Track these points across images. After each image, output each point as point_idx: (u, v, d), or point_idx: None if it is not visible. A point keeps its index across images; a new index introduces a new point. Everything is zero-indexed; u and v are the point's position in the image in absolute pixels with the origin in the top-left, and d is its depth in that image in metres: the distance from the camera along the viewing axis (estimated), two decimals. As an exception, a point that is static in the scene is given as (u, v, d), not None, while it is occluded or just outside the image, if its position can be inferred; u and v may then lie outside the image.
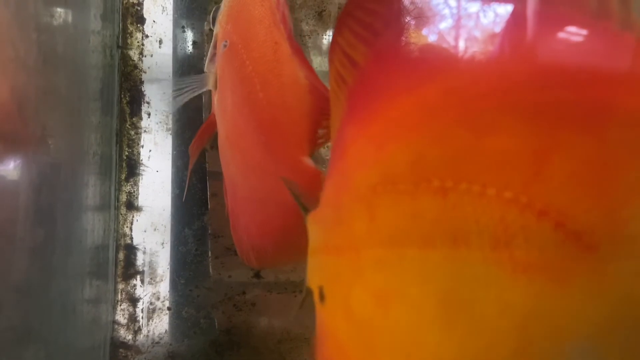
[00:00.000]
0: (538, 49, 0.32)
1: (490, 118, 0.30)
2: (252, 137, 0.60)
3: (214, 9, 0.68)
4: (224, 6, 0.68)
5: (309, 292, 0.45)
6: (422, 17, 0.38)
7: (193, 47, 0.81)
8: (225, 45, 0.62)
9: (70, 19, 0.67)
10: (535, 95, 0.30)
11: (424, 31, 0.39)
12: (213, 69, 0.67)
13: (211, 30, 0.81)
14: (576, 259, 0.26)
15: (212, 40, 0.68)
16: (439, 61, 0.36)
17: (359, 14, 0.41)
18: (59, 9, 0.65)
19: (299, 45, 0.62)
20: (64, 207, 0.66)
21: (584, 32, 0.32)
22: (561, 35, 0.32)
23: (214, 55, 0.67)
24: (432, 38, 0.38)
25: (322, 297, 0.41)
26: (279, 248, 0.64)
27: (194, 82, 0.68)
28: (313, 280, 0.44)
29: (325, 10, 0.81)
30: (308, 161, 0.56)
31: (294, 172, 0.57)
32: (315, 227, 0.44)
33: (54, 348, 0.64)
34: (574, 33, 0.32)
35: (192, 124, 0.81)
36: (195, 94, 0.69)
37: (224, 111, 0.65)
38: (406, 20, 0.39)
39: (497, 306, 0.28)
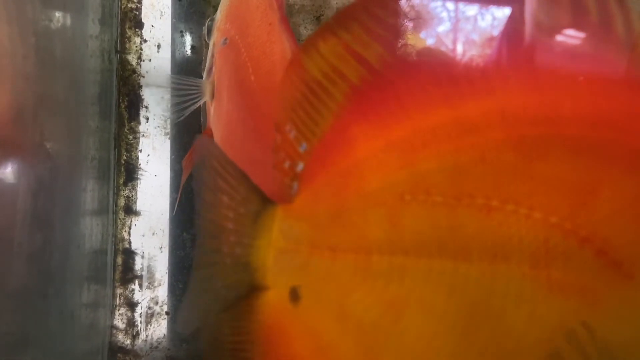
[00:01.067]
0: (589, 88, 0.34)
1: (539, 145, 0.32)
2: (243, 128, 0.60)
3: (208, 21, 0.67)
4: (220, 12, 0.68)
5: (259, 289, 0.44)
6: (469, 31, 0.37)
7: (191, 52, 0.82)
8: (224, 42, 0.62)
9: (68, 23, 0.67)
10: (585, 131, 0.32)
11: (469, 48, 0.39)
12: (210, 80, 0.67)
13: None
14: (614, 285, 0.29)
15: (209, 52, 0.67)
16: (482, 80, 0.36)
17: (378, 12, 0.40)
18: (57, 14, 0.65)
19: (290, 27, 0.61)
20: (62, 212, 0.66)
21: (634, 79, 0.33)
22: (609, 77, 0.34)
23: (211, 67, 0.67)
24: (475, 57, 0.37)
25: (295, 297, 0.41)
26: None
27: (192, 86, 0.68)
28: (281, 278, 0.43)
29: (323, 15, 0.81)
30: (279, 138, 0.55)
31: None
32: (298, 223, 0.43)
33: (51, 353, 0.64)
34: (621, 78, 0.33)
35: (190, 129, 0.81)
36: (194, 105, 0.69)
37: (219, 116, 0.65)
38: (444, 30, 0.38)
39: (528, 319, 0.30)
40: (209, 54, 0.67)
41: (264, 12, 0.59)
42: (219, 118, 0.66)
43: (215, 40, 0.67)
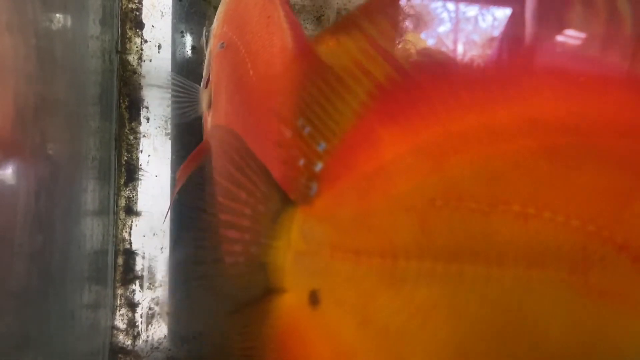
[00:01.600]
0: (619, 96, 0.34)
1: (572, 153, 0.33)
2: (244, 126, 0.59)
3: (205, 31, 0.67)
4: (216, 19, 0.67)
5: (275, 291, 0.43)
6: (497, 38, 0.37)
7: (192, 52, 0.82)
8: (222, 46, 0.61)
9: (68, 24, 0.67)
10: (616, 140, 0.32)
11: (501, 52, 0.38)
12: (207, 90, 0.66)
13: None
14: None
15: (206, 62, 0.66)
16: (513, 86, 0.36)
17: (409, 9, 0.39)
18: (57, 15, 0.65)
19: (295, 18, 0.59)
20: (63, 213, 0.66)
21: None
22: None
23: (208, 76, 0.66)
24: (506, 62, 0.37)
25: (314, 300, 0.40)
26: None
27: (190, 90, 0.67)
28: (300, 281, 0.42)
29: (324, 15, 0.81)
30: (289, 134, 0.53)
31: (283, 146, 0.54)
32: (320, 225, 0.41)
33: (52, 354, 0.64)
34: None
35: (191, 129, 0.81)
36: (192, 115, 0.68)
37: (217, 118, 0.64)
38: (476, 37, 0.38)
39: (565, 324, 0.31)
40: (206, 64, 0.66)
41: (262, 7, 0.58)
42: (213, 119, 0.65)
43: (212, 47, 0.66)
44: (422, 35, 0.40)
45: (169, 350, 0.83)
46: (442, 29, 0.40)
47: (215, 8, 0.80)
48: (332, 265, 0.40)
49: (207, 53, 0.66)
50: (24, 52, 0.57)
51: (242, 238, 0.44)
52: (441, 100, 0.36)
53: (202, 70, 0.81)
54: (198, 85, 0.67)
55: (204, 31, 0.67)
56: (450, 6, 0.40)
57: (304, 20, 0.81)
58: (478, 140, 0.35)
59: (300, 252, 0.42)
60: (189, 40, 0.82)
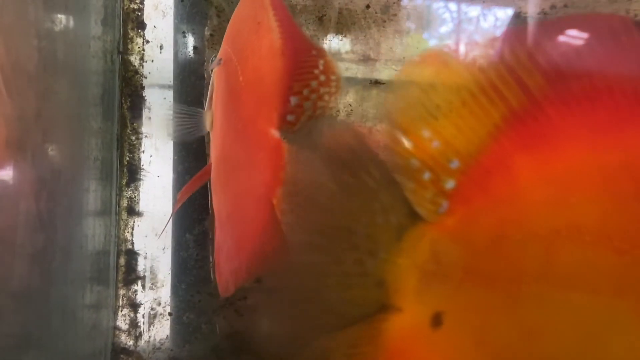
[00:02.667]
0: None
1: None
2: (234, 134, 0.58)
3: (211, 59, 0.66)
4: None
5: (388, 309, 0.41)
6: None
7: (194, 52, 0.82)
8: (219, 62, 0.61)
9: (70, 24, 0.67)
10: None
11: None
12: (210, 111, 0.65)
13: (212, 36, 0.81)
14: None
15: (210, 87, 0.66)
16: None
17: (551, 46, 0.38)
18: (59, 15, 0.65)
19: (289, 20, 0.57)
20: (64, 213, 0.66)
21: None
22: None
23: (211, 97, 0.65)
24: None
25: (437, 322, 0.39)
26: (252, 264, 0.60)
27: (193, 115, 0.66)
28: (425, 302, 0.40)
29: (325, 15, 0.81)
30: (274, 133, 0.53)
31: (261, 147, 0.53)
32: (453, 246, 0.40)
33: (54, 354, 0.64)
34: None
35: (193, 129, 0.81)
36: (193, 136, 0.67)
37: (215, 139, 0.63)
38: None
39: None
40: (210, 86, 0.66)
41: (253, 15, 0.58)
42: (214, 141, 0.64)
43: (215, 73, 0.65)
44: (560, 70, 0.39)
45: (171, 350, 0.83)
46: (580, 65, 0.39)
47: (217, 8, 0.80)
48: (461, 289, 0.39)
49: (211, 76, 0.66)
50: (26, 53, 0.57)
51: (356, 248, 0.42)
52: (575, 135, 0.36)
53: (203, 71, 0.81)
54: (201, 109, 0.66)
55: (210, 58, 0.66)
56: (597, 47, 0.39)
57: (305, 21, 0.80)
58: (612, 178, 0.35)
59: (428, 273, 0.40)
60: (190, 40, 0.82)
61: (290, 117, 0.50)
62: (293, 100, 0.49)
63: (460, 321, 0.39)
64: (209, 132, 0.68)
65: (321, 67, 0.50)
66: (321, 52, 0.51)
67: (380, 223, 0.41)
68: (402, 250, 0.41)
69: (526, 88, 0.37)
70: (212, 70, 0.63)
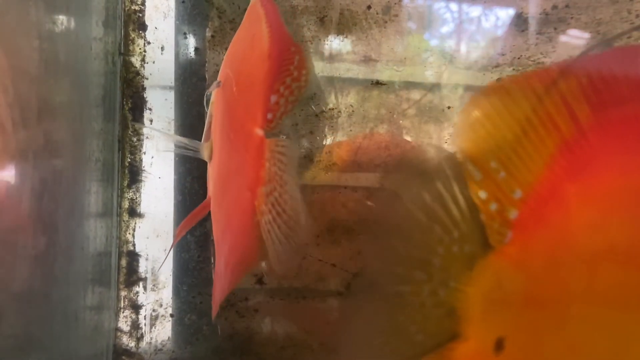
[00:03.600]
0: None
1: None
2: (227, 145, 0.58)
3: (208, 91, 0.65)
4: None
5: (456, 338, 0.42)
6: None
7: (195, 54, 0.82)
8: (218, 84, 0.61)
9: (71, 26, 0.67)
10: None
11: None
12: (208, 143, 0.65)
13: (213, 37, 0.81)
14: None
15: (207, 119, 0.65)
16: None
17: (597, 76, 0.39)
18: (60, 17, 0.65)
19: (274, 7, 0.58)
20: (66, 214, 0.66)
21: None
22: None
23: (209, 129, 0.65)
24: None
25: (499, 347, 0.40)
26: (234, 276, 0.60)
27: (191, 147, 0.66)
28: (489, 329, 0.41)
29: (326, 16, 0.81)
30: (258, 132, 0.51)
31: (247, 150, 0.53)
32: (516, 274, 0.41)
33: (55, 356, 0.64)
34: None
35: (194, 131, 0.81)
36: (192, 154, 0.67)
37: (213, 165, 0.63)
38: None
39: None
40: (208, 117, 0.65)
41: (250, 29, 0.58)
42: (212, 172, 0.64)
43: (212, 110, 0.65)
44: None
45: (173, 352, 0.83)
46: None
47: (218, 9, 0.80)
48: (522, 314, 0.40)
49: (208, 110, 0.65)
50: (27, 54, 0.57)
51: (431, 278, 0.43)
52: (615, 158, 0.38)
53: (204, 72, 0.81)
54: (199, 142, 0.66)
55: (207, 93, 0.66)
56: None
57: (307, 22, 0.80)
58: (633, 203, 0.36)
59: (493, 300, 0.41)
60: (191, 41, 0.82)
61: (269, 115, 0.50)
62: (272, 98, 0.50)
63: (521, 345, 0.40)
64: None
65: (295, 63, 0.51)
66: (298, 49, 0.51)
67: (455, 252, 0.42)
68: (471, 279, 0.42)
69: (575, 116, 0.38)
70: (209, 100, 0.63)
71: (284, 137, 0.51)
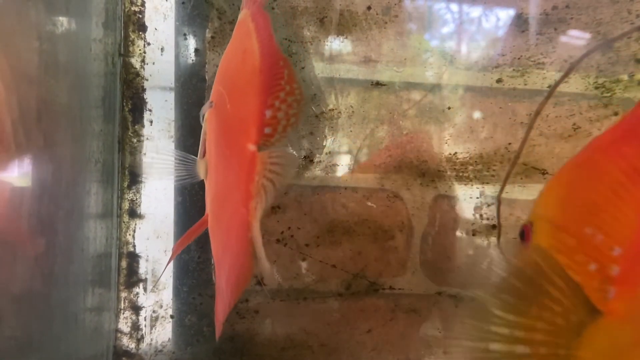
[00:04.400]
0: None
1: None
2: (223, 163, 0.58)
3: (202, 112, 0.65)
4: None
5: None
6: None
7: (195, 55, 0.82)
8: (211, 105, 0.61)
9: (71, 27, 0.67)
10: None
11: None
12: (204, 160, 0.65)
13: (213, 38, 0.81)
14: None
15: (202, 136, 0.65)
16: None
17: None
18: (60, 18, 0.65)
19: (266, 18, 0.57)
20: (66, 216, 0.66)
21: None
22: None
23: (204, 146, 0.65)
24: None
25: None
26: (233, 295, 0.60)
27: (188, 162, 0.66)
28: None
29: (326, 17, 0.81)
30: (250, 147, 0.50)
31: (241, 163, 0.53)
32: (625, 332, 0.42)
33: (55, 357, 0.64)
34: None
35: (194, 132, 0.81)
36: (191, 181, 0.67)
37: (210, 183, 0.63)
38: None
39: None
40: (202, 134, 0.65)
41: (241, 45, 0.57)
42: (208, 189, 0.63)
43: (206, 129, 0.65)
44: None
45: (173, 353, 0.83)
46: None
47: (218, 10, 0.80)
48: None
49: (203, 126, 0.65)
50: (27, 55, 0.57)
51: (538, 352, 0.45)
52: None
53: (204, 73, 0.81)
54: (196, 157, 0.66)
55: (200, 113, 0.66)
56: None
57: (306, 22, 0.80)
58: None
59: (609, 357, 0.43)
60: (192, 42, 0.82)
61: (267, 130, 0.50)
62: (268, 113, 0.50)
63: None
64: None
65: (285, 77, 0.51)
66: (286, 62, 0.52)
67: (560, 324, 0.43)
68: (582, 343, 0.43)
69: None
70: (204, 116, 0.63)
71: (286, 147, 0.52)
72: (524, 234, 0.55)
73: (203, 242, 0.82)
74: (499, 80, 0.82)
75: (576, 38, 0.81)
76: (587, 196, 0.45)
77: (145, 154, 0.82)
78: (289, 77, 0.51)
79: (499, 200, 0.45)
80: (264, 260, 0.49)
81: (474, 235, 0.83)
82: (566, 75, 0.43)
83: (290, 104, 0.50)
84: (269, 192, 0.49)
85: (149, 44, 0.82)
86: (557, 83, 0.44)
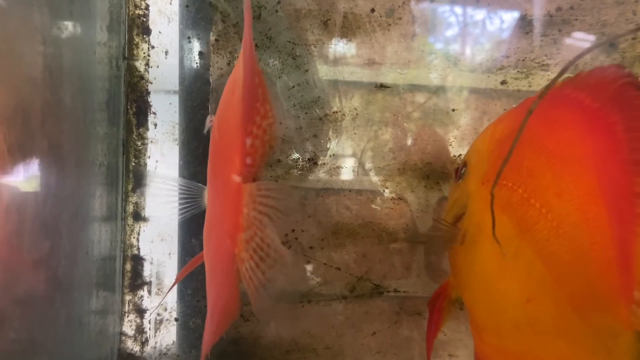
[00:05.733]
0: None
1: None
2: (212, 194, 0.58)
3: (205, 130, 0.65)
4: None
5: None
6: None
7: (199, 58, 0.82)
8: (211, 120, 0.60)
9: (76, 31, 0.68)
10: None
11: None
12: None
13: (217, 41, 0.81)
14: None
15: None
16: None
17: None
18: (65, 22, 0.65)
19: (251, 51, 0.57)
20: (70, 218, 0.66)
21: None
22: None
23: None
24: None
25: None
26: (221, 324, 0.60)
27: (193, 190, 0.65)
28: None
29: (330, 20, 0.81)
30: (235, 178, 0.49)
31: (226, 194, 0.53)
32: None
33: (60, 360, 0.64)
34: None
35: (198, 135, 0.81)
36: (195, 212, 0.67)
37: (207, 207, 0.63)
38: None
39: None
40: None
41: (234, 75, 0.57)
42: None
43: None
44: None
45: (177, 356, 0.83)
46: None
47: (222, 13, 0.80)
48: None
49: None
50: (31, 59, 0.58)
51: None
52: None
53: (208, 75, 0.81)
54: (202, 185, 0.66)
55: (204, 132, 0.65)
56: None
57: (310, 25, 0.80)
58: None
59: None
60: (196, 45, 0.82)
61: (248, 160, 0.49)
62: (248, 141, 0.49)
63: None
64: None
65: (260, 98, 0.50)
66: (261, 80, 0.51)
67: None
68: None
69: None
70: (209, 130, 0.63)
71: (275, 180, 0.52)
72: (457, 172, 0.66)
73: (207, 244, 0.82)
74: (503, 82, 0.82)
75: (580, 40, 0.80)
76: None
77: (149, 156, 0.82)
78: (263, 96, 0.50)
79: (492, 195, 0.46)
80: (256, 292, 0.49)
81: (478, 237, 0.82)
82: (559, 76, 0.43)
83: (265, 129, 0.49)
84: (265, 225, 0.48)
85: (153, 47, 0.82)
86: (551, 83, 0.43)
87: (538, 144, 0.53)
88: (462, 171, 0.65)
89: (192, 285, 0.82)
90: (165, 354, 0.82)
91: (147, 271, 0.83)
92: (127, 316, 0.82)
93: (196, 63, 0.82)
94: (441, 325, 0.68)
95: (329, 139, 0.83)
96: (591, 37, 0.80)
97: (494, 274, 0.54)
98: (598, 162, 0.48)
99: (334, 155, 0.83)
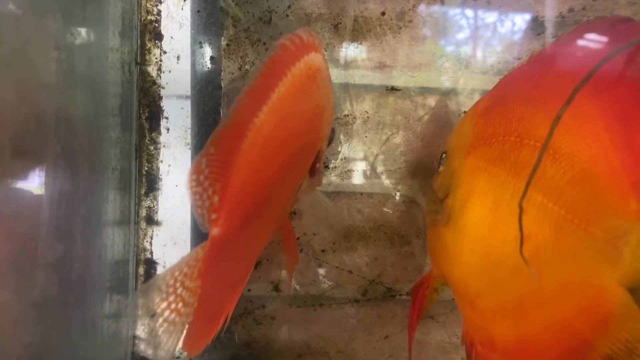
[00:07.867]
0: None
1: None
2: None
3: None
4: None
5: None
6: None
7: (211, 62, 0.82)
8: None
9: (89, 37, 0.68)
10: None
11: None
12: None
13: (228, 46, 0.81)
14: None
15: None
16: None
17: None
18: (78, 28, 0.66)
19: None
20: (84, 222, 0.67)
21: None
22: None
23: None
24: None
25: None
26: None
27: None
28: None
29: (341, 23, 0.81)
30: (214, 231, 0.51)
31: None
32: None
33: (74, 363, 0.64)
34: None
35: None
36: None
37: None
38: None
39: None
40: None
41: None
42: None
43: None
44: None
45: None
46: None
47: (233, 18, 0.80)
48: None
49: None
50: (45, 65, 0.58)
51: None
52: None
53: (220, 80, 0.82)
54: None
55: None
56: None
57: (321, 29, 0.81)
58: None
59: None
60: (207, 50, 0.82)
61: (213, 216, 0.52)
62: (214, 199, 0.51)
63: None
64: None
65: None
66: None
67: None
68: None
69: None
70: None
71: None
72: (437, 163, 0.68)
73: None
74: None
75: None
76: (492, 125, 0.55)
77: (162, 161, 0.83)
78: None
79: (520, 208, 0.45)
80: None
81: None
82: (587, 79, 0.43)
83: (207, 187, 0.53)
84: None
85: (165, 52, 0.82)
86: (579, 86, 0.43)
87: (527, 96, 0.54)
88: (443, 157, 0.66)
89: (204, 288, 0.82)
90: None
91: (160, 275, 0.83)
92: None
93: (208, 68, 0.82)
94: (423, 313, 0.69)
95: (340, 142, 0.83)
96: (604, 38, 0.79)
97: (487, 231, 0.54)
98: (595, 88, 0.48)
99: (345, 158, 0.83)
